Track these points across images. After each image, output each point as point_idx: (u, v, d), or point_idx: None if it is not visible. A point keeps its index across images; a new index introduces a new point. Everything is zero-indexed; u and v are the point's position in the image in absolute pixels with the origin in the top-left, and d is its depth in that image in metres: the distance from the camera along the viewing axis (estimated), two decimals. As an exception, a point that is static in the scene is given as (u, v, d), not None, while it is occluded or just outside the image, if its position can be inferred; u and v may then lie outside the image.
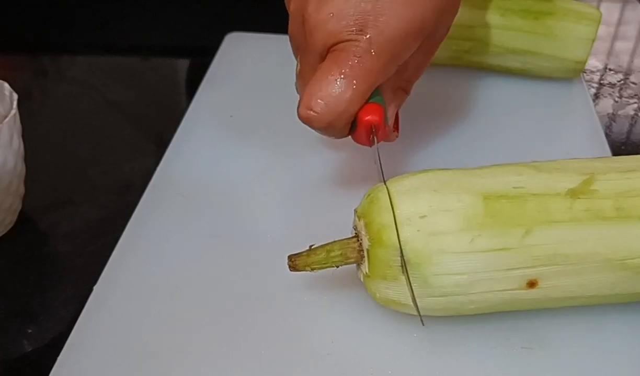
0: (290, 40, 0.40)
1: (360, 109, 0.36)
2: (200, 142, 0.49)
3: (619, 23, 0.71)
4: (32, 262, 0.42)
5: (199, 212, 0.43)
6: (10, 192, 0.41)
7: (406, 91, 0.41)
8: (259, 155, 0.48)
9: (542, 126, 0.51)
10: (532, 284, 0.32)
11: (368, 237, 0.33)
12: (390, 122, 0.39)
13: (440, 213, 0.31)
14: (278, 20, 0.58)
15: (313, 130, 0.37)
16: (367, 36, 0.35)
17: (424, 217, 0.31)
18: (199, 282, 0.38)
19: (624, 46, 0.67)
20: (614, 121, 0.56)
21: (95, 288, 0.38)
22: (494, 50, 0.53)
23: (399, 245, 0.31)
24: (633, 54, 0.66)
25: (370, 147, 0.37)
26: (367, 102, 0.36)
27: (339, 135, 0.38)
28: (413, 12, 0.35)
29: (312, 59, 0.37)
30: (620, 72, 0.62)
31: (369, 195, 0.34)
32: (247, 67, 0.58)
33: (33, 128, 0.44)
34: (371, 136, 0.37)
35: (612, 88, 0.60)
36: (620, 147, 0.53)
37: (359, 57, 0.35)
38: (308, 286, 0.37)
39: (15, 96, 0.41)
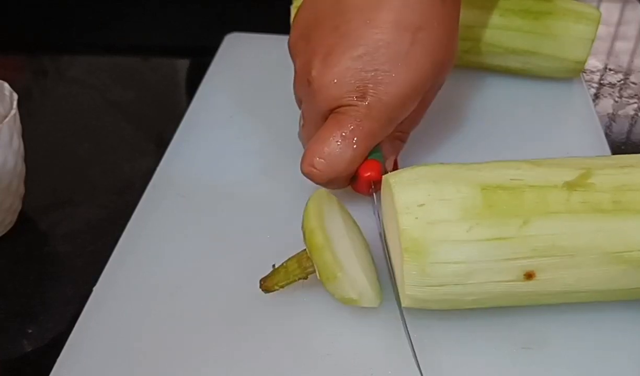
0: (295, 93, 0.42)
1: (360, 166, 0.39)
2: (200, 142, 0.49)
3: (619, 23, 0.71)
4: (32, 262, 0.42)
5: (198, 211, 0.43)
6: (11, 192, 0.41)
7: (402, 140, 0.43)
8: (258, 155, 0.48)
9: (542, 126, 0.51)
10: (529, 276, 0.32)
11: (305, 243, 0.34)
12: (389, 168, 0.41)
13: (438, 203, 0.32)
14: (277, 20, 0.58)
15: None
16: (367, 102, 0.37)
17: (422, 205, 0.32)
18: (199, 282, 0.38)
19: (624, 46, 0.67)
20: (614, 121, 0.56)
21: (95, 288, 0.38)
22: (493, 50, 0.53)
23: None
24: (633, 54, 0.66)
25: (370, 196, 0.40)
26: (366, 158, 0.39)
27: (339, 187, 0.41)
28: (411, 77, 0.37)
29: (316, 116, 0.39)
30: (620, 72, 0.62)
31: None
32: (247, 67, 0.58)
33: (33, 129, 0.44)
34: (371, 189, 0.39)
35: (612, 88, 0.60)
36: (620, 147, 0.53)
37: (358, 121, 0.37)
38: (308, 287, 0.37)
39: (15, 96, 0.41)
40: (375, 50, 0.37)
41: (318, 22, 0.39)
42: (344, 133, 0.38)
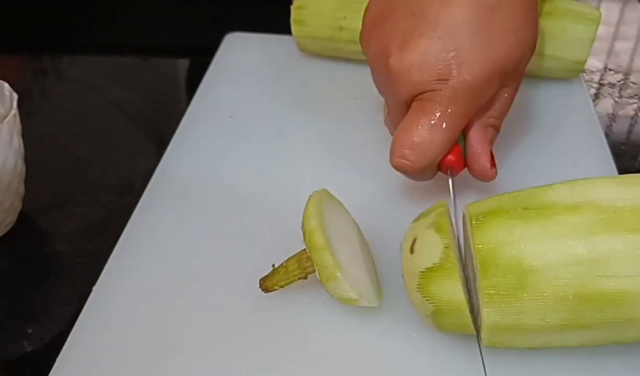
0: (375, 83, 0.41)
1: None
2: (199, 142, 0.49)
3: (619, 23, 0.71)
4: (32, 261, 0.42)
5: (198, 211, 0.43)
6: (11, 192, 0.41)
7: (496, 128, 0.41)
8: (258, 155, 0.48)
9: (542, 126, 0.51)
10: None
11: (305, 243, 0.34)
12: (485, 160, 0.39)
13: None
14: (277, 20, 0.58)
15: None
16: (450, 84, 0.36)
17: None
18: (198, 282, 0.38)
19: (623, 46, 0.67)
20: (614, 121, 0.56)
21: (94, 288, 0.38)
22: (493, 50, 0.53)
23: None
24: (633, 54, 0.66)
25: (451, 180, 0.39)
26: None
27: (428, 178, 0.40)
28: (494, 55, 0.36)
29: (398, 104, 0.39)
30: (620, 72, 0.62)
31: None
32: (247, 67, 0.58)
33: (33, 128, 0.44)
34: (448, 172, 0.39)
35: (612, 88, 0.60)
36: (620, 147, 0.53)
37: (444, 105, 0.36)
38: (308, 287, 0.37)
39: (15, 96, 0.41)
40: (454, 30, 0.35)
41: (392, 8, 0.38)
42: (431, 121, 0.36)
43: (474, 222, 0.31)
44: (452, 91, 0.36)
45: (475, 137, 0.39)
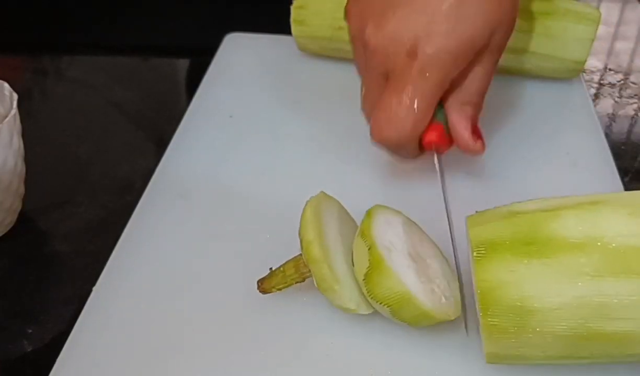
0: (355, 62, 0.42)
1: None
2: (199, 142, 0.49)
3: (619, 23, 0.71)
4: (32, 261, 0.42)
5: (198, 211, 0.43)
6: (10, 192, 0.41)
7: (474, 105, 0.41)
8: (257, 155, 0.48)
9: (542, 126, 0.51)
10: None
11: (302, 253, 0.34)
12: (465, 135, 0.40)
13: None
14: (277, 20, 0.58)
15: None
16: (420, 59, 0.37)
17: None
18: (198, 282, 0.38)
19: (623, 46, 0.67)
20: (614, 121, 0.56)
21: (94, 288, 0.38)
22: (493, 50, 0.53)
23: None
24: (633, 54, 0.66)
25: (437, 158, 0.40)
26: (432, 119, 0.39)
27: (411, 155, 0.41)
28: (462, 32, 0.37)
29: (375, 80, 0.40)
30: (620, 72, 0.62)
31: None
32: (247, 68, 0.58)
33: (33, 128, 0.44)
34: (433, 150, 0.40)
35: (612, 88, 0.60)
36: (620, 147, 0.53)
37: (413, 80, 0.37)
38: (308, 287, 0.37)
39: (15, 96, 0.41)
40: (426, 6, 0.37)
41: None
42: (403, 96, 0.37)
43: (475, 254, 0.30)
44: (420, 65, 0.37)
45: (453, 114, 0.40)
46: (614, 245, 0.29)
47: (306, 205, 0.35)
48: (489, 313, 0.29)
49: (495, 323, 0.29)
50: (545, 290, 0.28)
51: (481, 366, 0.34)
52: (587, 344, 0.29)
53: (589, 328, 0.28)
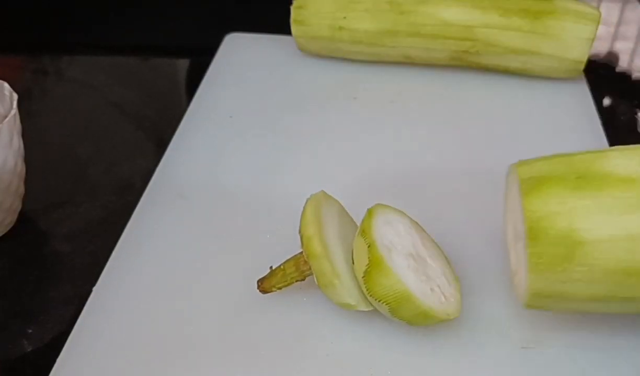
0: None
1: None
2: (199, 142, 0.49)
3: (619, 23, 0.71)
4: (32, 261, 0.42)
5: (198, 211, 0.43)
6: (10, 192, 0.41)
7: None
8: (258, 155, 0.48)
9: (542, 126, 0.51)
10: None
11: (303, 249, 0.34)
12: None
13: None
14: (277, 21, 0.58)
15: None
16: None
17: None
18: (198, 282, 0.38)
19: (623, 46, 0.67)
20: (614, 121, 0.56)
21: (95, 288, 0.38)
22: (493, 50, 0.53)
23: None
24: (633, 54, 0.66)
25: None
26: None
27: None
28: None
29: None
30: (620, 71, 0.62)
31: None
32: (247, 68, 0.58)
33: (33, 128, 0.44)
34: None
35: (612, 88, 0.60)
36: (620, 146, 0.53)
37: None
38: (307, 287, 0.37)
39: (15, 96, 0.41)
40: None
41: None
42: None
43: (523, 187, 0.30)
44: None
45: None
46: None
47: (306, 202, 0.35)
48: (537, 243, 0.29)
49: (542, 253, 0.29)
50: (595, 221, 0.28)
51: (482, 365, 0.34)
52: (634, 281, 0.28)
53: (633, 260, 0.28)
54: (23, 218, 0.44)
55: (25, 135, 0.42)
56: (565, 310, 0.32)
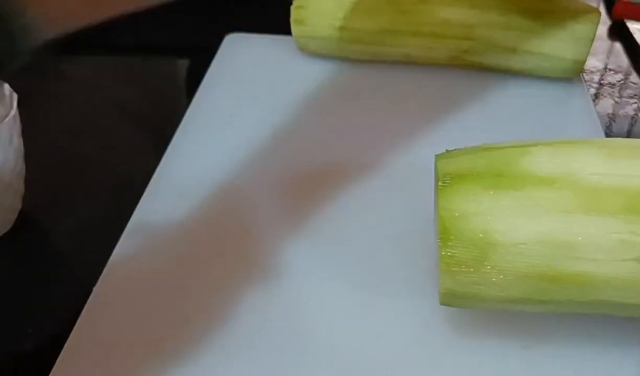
0: None
1: None
2: (199, 142, 0.49)
3: (619, 23, 0.71)
4: (31, 261, 0.42)
5: (198, 211, 0.43)
6: (11, 192, 0.41)
7: None
8: (258, 155, 0.48)
9: (542, 126, 0.51)
10: None
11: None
12: None
13: None
14: (278, 21, 0.58)
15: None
16: None
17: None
18: (199, 283, 0.38)
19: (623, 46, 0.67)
20: (614, 121, 0.56)
21: (95, 287, 0.38)
22: (493, 50, 0.53)
23: None
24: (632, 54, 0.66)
25: None
26: None
27: None
28: None
29: None
30: (620, 72, 0.63)
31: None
32: (247, 68, 0.58)
33: (33, 127, 0.44)
34: None
35: (612, 88, 0.60)
36: (620, 146, 0.53)
37: None
38: (308, 287, 0.37)
39: (15, 96, 0.41)
40: None
41: None
42: None
43: (440, 184, 0.29)
44: None
45: None
46: (586, 182, 0.27)
47: None
48: (449, 243, 0.28)
49: (454, 254, 0.28)
50: (510, 223, 0.27)
51: (482, 365, 0.34)
52: (549, 286, 0.27)
53: (552, 267, 0.27)
54: (23, 217, 0.44)
55: (25, 134, 0.42)
56: (481, 309, 0.31)
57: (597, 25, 0.52)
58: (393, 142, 0.49)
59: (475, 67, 0.56)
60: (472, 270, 0.28)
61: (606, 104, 0.58)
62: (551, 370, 0.33)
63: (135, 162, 0.50)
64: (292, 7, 0.56)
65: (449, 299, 0.30)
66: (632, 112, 0.57)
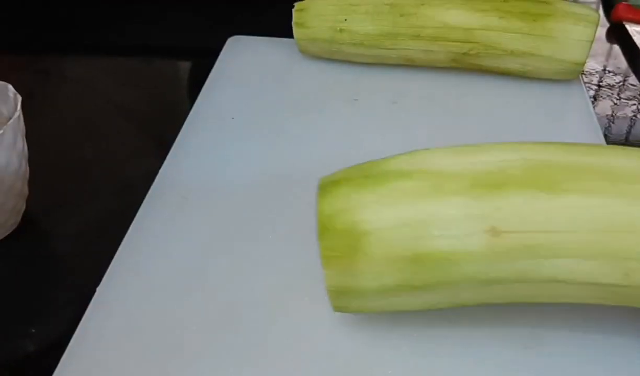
0: None
1: None
2: (202, 144, 0.49)
3: (618, 25, 0.71)
4: (35, 262, 0.42)
5: (200, 213, 0.43)
6: (14, 193, 0.41)
7: None
8: (260, 157, 0.48)
9: (541, 128, 0.51)
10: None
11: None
12: None
13: None
14: (280, 23, 0.59)
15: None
16: None
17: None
18: (201, 284, 0.38)
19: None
20: (613, 122, 0.56)
21: (98, 289, 0.38)
22: (492, 52, 0.53)
23: None
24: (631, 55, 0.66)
25: None
26: None
27: None
28: None
29: None
30: (619, 73, 0.63)
31: None
32: (249, 70, 0.58)
33: (36, 130, 0.44)
34: None
35: (611, 90, 0.60)
36: (619, 148, 0.53)
37: None
38: (308, 287, 0.37)
39: (19, 98, 0.41)
40: None
41: None
42: None
43: (319, 193, 0.32)
44: None
45: None
46: (436, 171, 0.31)
47: None
48: (326, 237, 0.30)
49: (332, 246, 0.30)
50: (375, 212, 0.30)
51: (482, 365, 0.34)
52: (416, 268, 0.30)
53: (414, 247, 0.29)
54: (27, 219, 0.44)
55: (29, 136, 0.42)
56: (370, 309, 0.34)
57: (596, 28, 0.52)
58: (393, 144, 0.49)
59: (475, 69, 0.56)
60: (348, 260, 0.30)
61: (605, 106, 0.58)
62: (551, 369, 0.34)
63: (138, 164, 0.50)
64: (294, 10, 0.56)
65: (337, 298, 0.32)
66: (630, 114, 0.57)
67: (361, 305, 0.33)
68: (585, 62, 0.53)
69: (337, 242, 0.30)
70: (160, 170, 0.46)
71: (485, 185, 0.30)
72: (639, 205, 0.29)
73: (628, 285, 0.29)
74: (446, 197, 0.30)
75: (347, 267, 0.30)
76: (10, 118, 0.40)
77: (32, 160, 0.43)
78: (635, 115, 0.57)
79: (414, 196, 0.30)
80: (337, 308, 0.33)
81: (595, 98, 0.59)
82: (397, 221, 0.30)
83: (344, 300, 0.32)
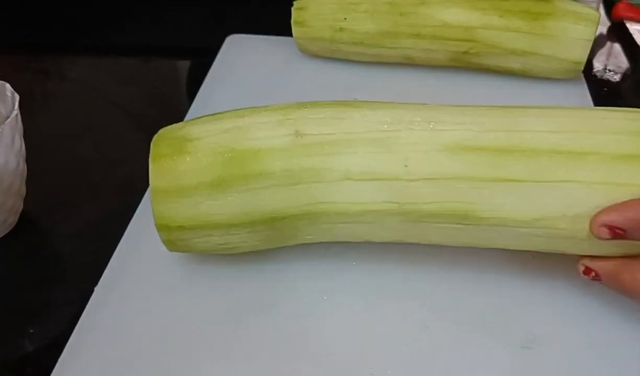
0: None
1: None
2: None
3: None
4: (33, 262, 0.42)
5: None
6: (12, 193, 0.41)
7: None
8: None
9: (542, 127, 0.51)
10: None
11: None
12: None
13: None
14: (278, 22, 0.59)
15: None
16: None
17: None
18: (200, 283, 0.38)
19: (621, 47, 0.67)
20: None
21: (96, 288, 0.38)
22: (493, 51, 0.53)
23: None
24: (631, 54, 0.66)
25: None
26: None
27: None
28: None
29: None
30: (619, 72, 0.63)
31: None
32: (248, 69, 0.58)
33: (34, 129, 0.44)
34: None
35: (612, 88, 0.60)
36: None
37: None
38: (308, 288, 0.37)
39: (17, 97, 0.41)
40: None
41: None
42: None
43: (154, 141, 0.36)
44: None
45: None
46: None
47: None
48: (156, 145, 0.35)
49: (160, 152, 0.35)
50: (203, 127, 0.36)
51: (482, 365, 0.34)
52: (231, 165, 0.34)
53: (233, 147, 0.34)
54: (25, 218, 0.44)
55: (27, 135, 0.42)
56: (204, 248, 0.36)
57: (597, 27, 0.52)
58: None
59: (475, 68, 0.56)
60: (174, 158, 0.35)
61: (605, 105, 0.58)
62: (551, 369, 0.34)
63: (137, 163, 0.50)
64: (293, 9, 0.56)
65: (159, 198, 0.35)
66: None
67: (196, 244, 0.36)
68: (585, 61, 0.53)
69: (166, 148, 0.35)
70: (159, 170, 0.46)
71: (294, 106, 0.36)
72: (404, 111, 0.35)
73: (408, 180, 0.33)
74: (262, 113, 0.36)
75: (172, 165, 0.34)
76: (8, 117, 0.40)
77: (32, 159, 0.43)
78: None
79: (234, 116, 0.36)
80: (171, 246, 0.36)
81: (595, 97, 0.59)
82: (219, 130, 0.35)
83: (164, 201, 0.35)
